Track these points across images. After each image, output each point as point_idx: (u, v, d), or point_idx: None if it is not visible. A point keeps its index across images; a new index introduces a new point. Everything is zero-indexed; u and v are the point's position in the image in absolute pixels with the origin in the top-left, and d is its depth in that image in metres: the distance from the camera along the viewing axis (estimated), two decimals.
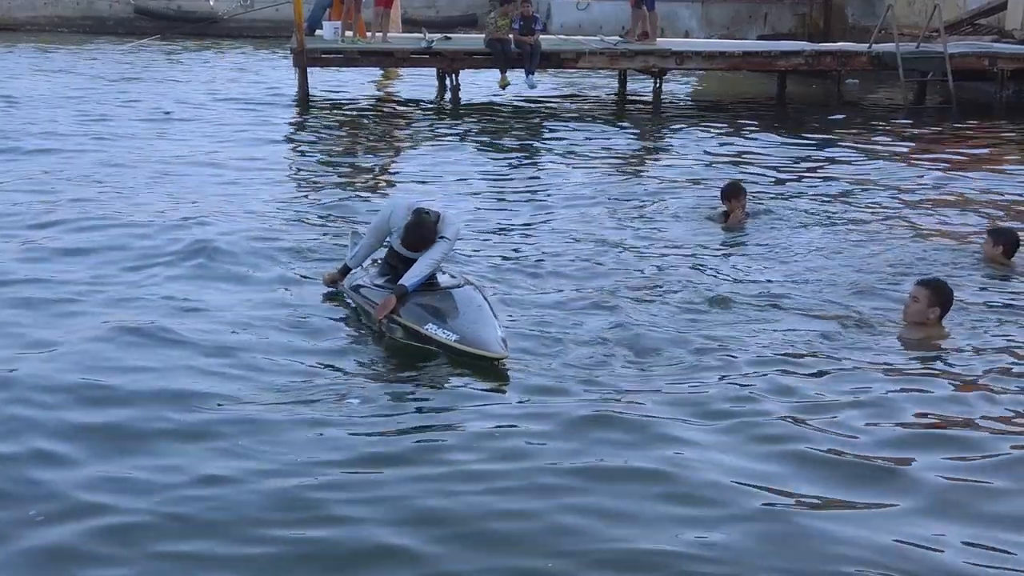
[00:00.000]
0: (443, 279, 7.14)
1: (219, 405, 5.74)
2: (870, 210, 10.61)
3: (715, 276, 8.20)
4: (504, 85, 17.43)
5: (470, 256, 8.51)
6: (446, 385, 6.12)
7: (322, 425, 5.49)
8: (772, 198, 10.97)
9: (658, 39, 18.80)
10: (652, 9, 18.30)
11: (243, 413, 5.61)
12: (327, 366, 6.32)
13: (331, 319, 7.20)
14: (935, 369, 6.43)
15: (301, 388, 5.95)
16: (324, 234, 9.33)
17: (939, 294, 6.80)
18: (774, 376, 6.23)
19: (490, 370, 6.16)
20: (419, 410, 5.79)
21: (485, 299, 6.90)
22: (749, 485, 5.00)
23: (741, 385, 6.08)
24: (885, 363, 6.46)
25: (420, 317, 6.54)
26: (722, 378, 6.18)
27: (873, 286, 7.96)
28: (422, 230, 6.92)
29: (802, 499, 4.91)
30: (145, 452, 5.22)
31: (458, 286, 7.04)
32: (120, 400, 5.80)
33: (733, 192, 9.94)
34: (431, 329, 6.41)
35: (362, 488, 4.88)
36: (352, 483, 4.95)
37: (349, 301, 7.36)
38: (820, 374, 6.29)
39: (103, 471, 5.03)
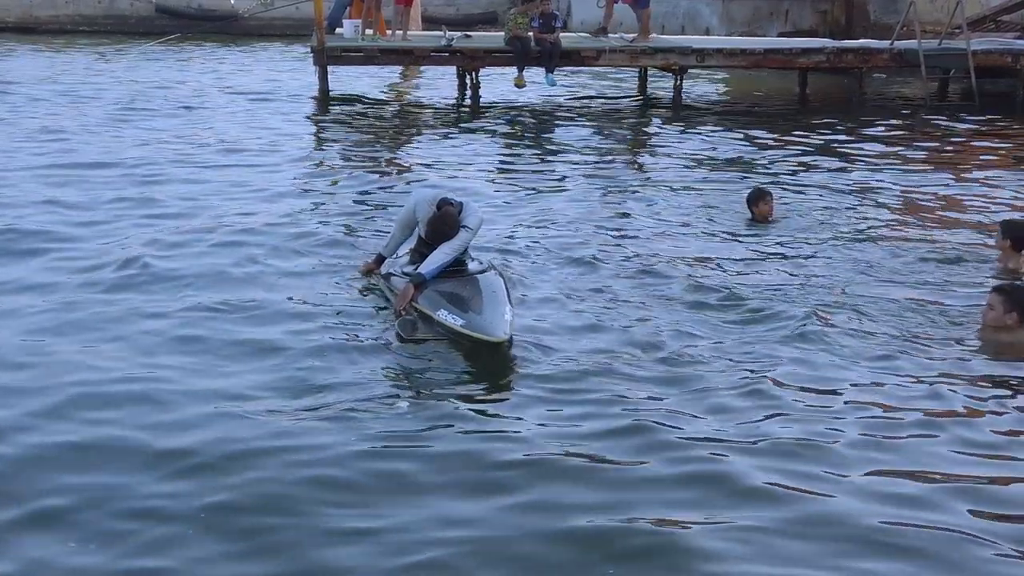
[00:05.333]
0: (471, 265, 7.31)
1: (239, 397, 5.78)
2: (895, 209, 10.53)
3: (752, 277, 8.08)
4: (520, 85, 17.33)
5: (492, 252, 8.50)
6: (454, 377, 6.16)
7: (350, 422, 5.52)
8: (797, 195, 10.92)
9: (675, 36, 18.68)
10: (646, 7, 18.16)
11: (270, 416, 5.64)
12: (353, 358, 6.39)
13: (355, 310, 7.27)
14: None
15: (322, 381, 6.01)
16: (348, 228, 9.42)
17: (1013, 299, 6.77)
18: (856, 387, 6.09)
19: (496, 358, 6.26)
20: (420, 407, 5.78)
21: (504, 285, 7.01)
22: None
23: (832, 389, 6.00)
24: (976, 373, 6.34)
25: (435, 303, 6.72)
26: (792, 385, 6.07)
27: (926, 287, 7.87)
28: (444, 223, 7.12)
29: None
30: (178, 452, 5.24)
31: (481, 272, 7.20)
32: (143, 394, 5.86)
33: (759, 196, 9.92)
34: (442, 315, 6.59)
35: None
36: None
37: (381, 289, 7.50)
38: (912, 382, 6.18)
39: (120, 467, 5.08)
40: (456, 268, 7.14)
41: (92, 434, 5.38)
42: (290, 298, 7.47)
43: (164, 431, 5.41)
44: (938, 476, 5.12)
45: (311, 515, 4.67)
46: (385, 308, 7.24)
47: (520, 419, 5.61)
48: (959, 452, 5.38)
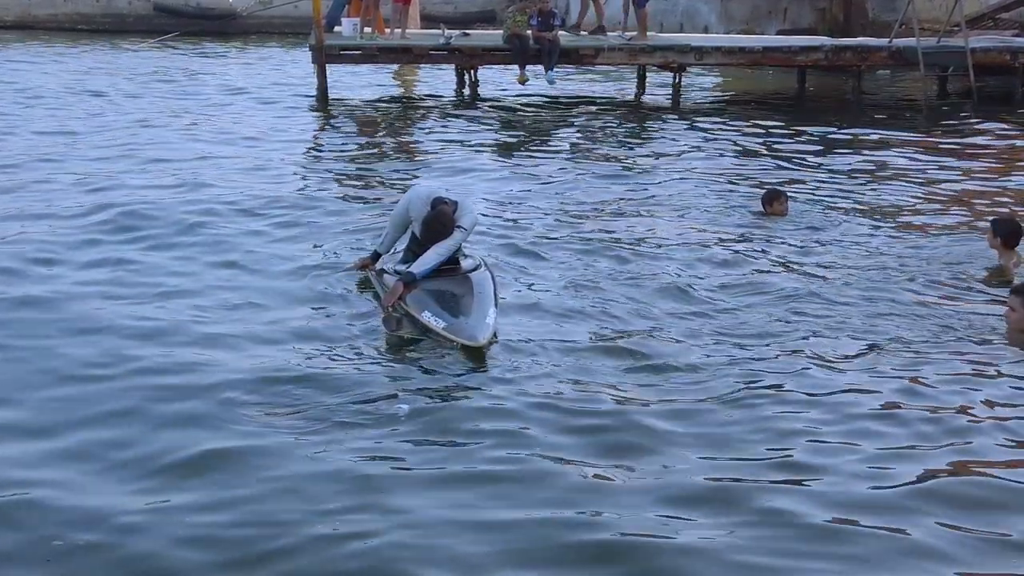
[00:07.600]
0: (465, 263, 7.31)
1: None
2: (896, 209, 10.49)
3: (758, 278, 7.99)
4: (523, 81, 17.34)
5: (489, 250, 8.50)
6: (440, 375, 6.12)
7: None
8: (796, 194, 10.90)
9: (674, 34, 18.68)
10: (643, 6, 18.12)
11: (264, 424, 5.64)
12: (339, 352, 6.42)
13: (349, 305, 7.30)
14: None
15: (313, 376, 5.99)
16: (343, 223, 9.45)
17: None
18: (885, 396, 5.93)
19: (479, 359, 6.24)
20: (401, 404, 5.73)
21: (492, 282, 7.01)
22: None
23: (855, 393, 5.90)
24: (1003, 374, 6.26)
25: (421, 303, 6.72)
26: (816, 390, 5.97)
27: (934, 288, 7.79)
28: (438, 224, 7.09)
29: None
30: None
31: (474, 270, 7.21)
32: (135, 390, 5.87)
33: (774, 196, 9.94)
34: (426, 316, 6.60)
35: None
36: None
37: (374, 285, 7.51)
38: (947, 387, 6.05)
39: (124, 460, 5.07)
40: (449, 266, 7.12)
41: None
42: (284, 293, 7.49)
43: (150, 430, 5.40)
44: (984, 483, 5.02)
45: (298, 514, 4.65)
46: (376, 305, 7.23)
47: (498, 419, 5.55)
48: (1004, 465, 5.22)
